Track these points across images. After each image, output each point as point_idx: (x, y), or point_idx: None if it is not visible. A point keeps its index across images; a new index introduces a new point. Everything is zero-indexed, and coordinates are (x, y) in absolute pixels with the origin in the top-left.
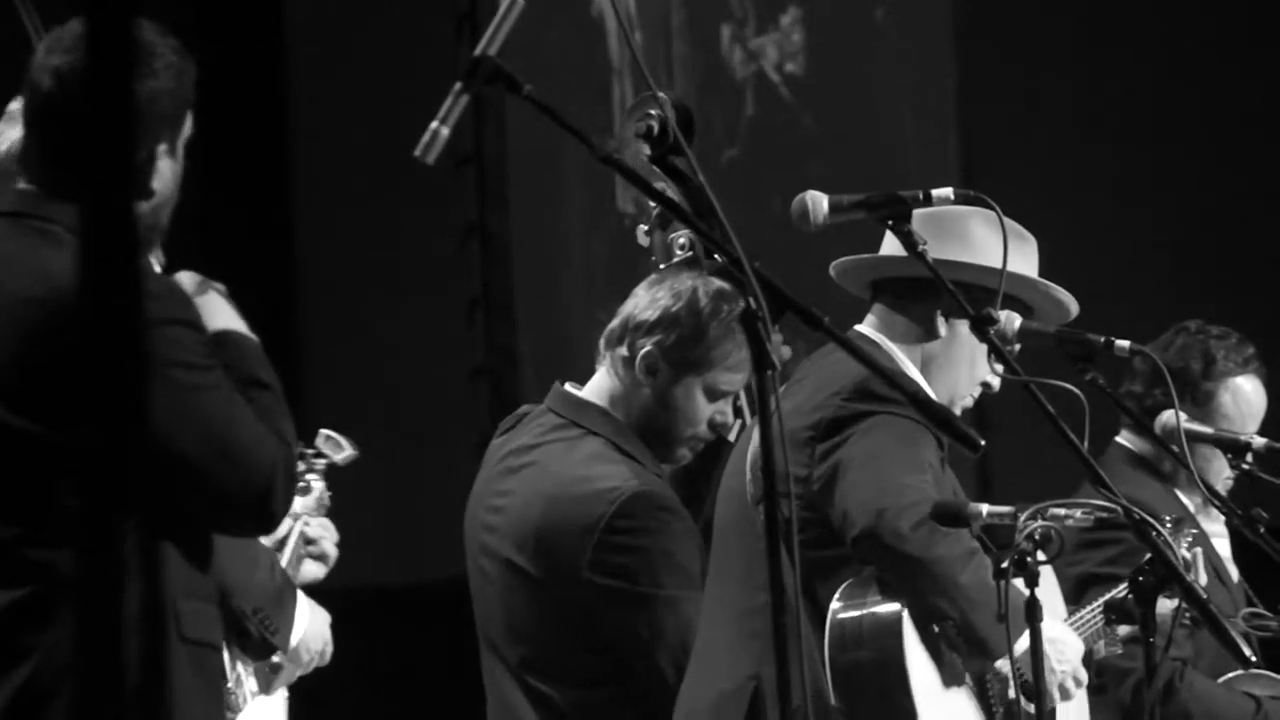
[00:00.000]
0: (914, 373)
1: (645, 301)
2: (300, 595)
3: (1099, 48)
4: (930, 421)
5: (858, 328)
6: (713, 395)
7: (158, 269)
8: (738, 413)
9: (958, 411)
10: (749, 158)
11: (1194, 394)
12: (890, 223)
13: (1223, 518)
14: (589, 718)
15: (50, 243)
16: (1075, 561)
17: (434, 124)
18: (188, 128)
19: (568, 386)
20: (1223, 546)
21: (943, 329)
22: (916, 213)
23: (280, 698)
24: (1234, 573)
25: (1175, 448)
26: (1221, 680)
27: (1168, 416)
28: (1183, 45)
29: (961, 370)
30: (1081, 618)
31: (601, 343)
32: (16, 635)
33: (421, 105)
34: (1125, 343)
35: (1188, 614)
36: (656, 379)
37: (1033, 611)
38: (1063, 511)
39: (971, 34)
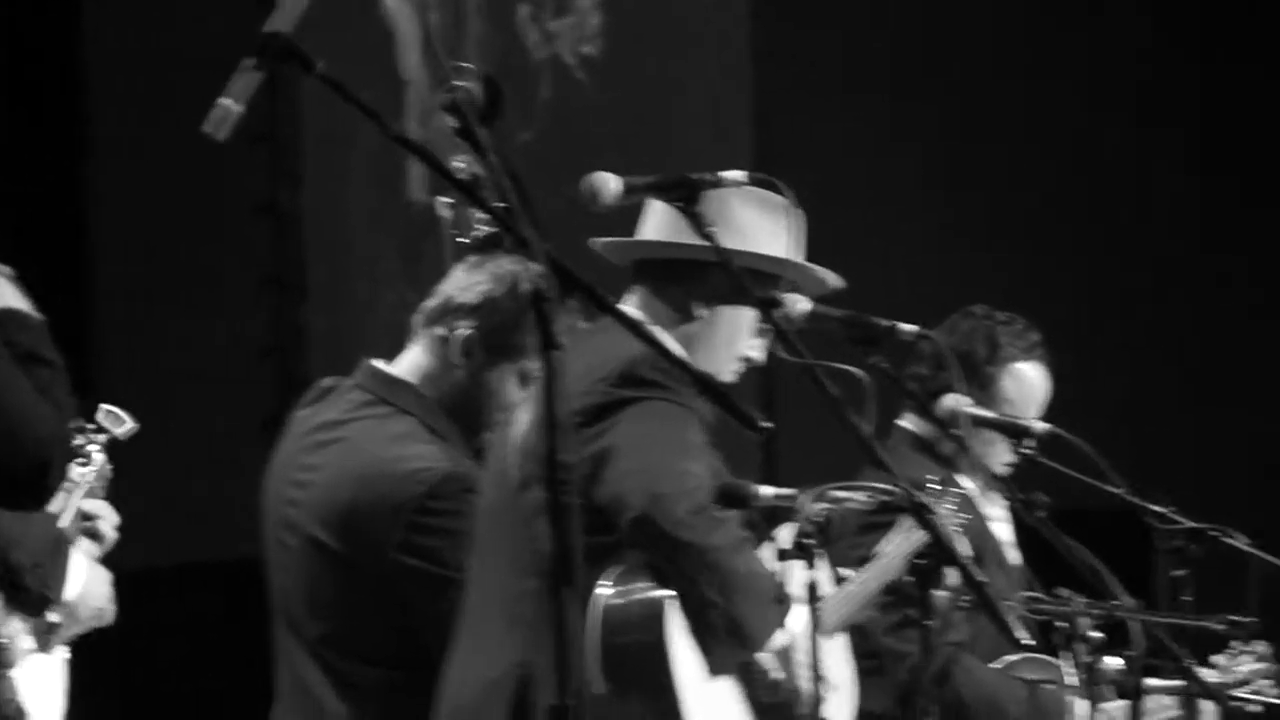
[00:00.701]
0: (674, 348)
1: (465, 284)
2: (78, 552)
3: (900, 34)
4: (715, 403)
5: (620, 306)
6: (526, 382)
7: None
8: None
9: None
10: (544, 140)
11: (977, 378)
12: (681, 205)
13: (1003, 502)
14: (387, 697)
15: None
16: (856, 545)
17: (224, 100)
18: None
19: (378, 363)
20: (1002, 531)
21: (701, 311)
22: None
23: (60, 659)
24: (1013, 557)
25: (957, 431)
26: (998, 664)
27: (950, 400)
28: (990, 33)
29: (720, 352)
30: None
31: (417, 320)
32: None
33: (220, 82)
34: (910, 326)
35: (965, 597)
36: (471, 362)
37: (813, 594)
38: (844, 494)
39: (768, 18)
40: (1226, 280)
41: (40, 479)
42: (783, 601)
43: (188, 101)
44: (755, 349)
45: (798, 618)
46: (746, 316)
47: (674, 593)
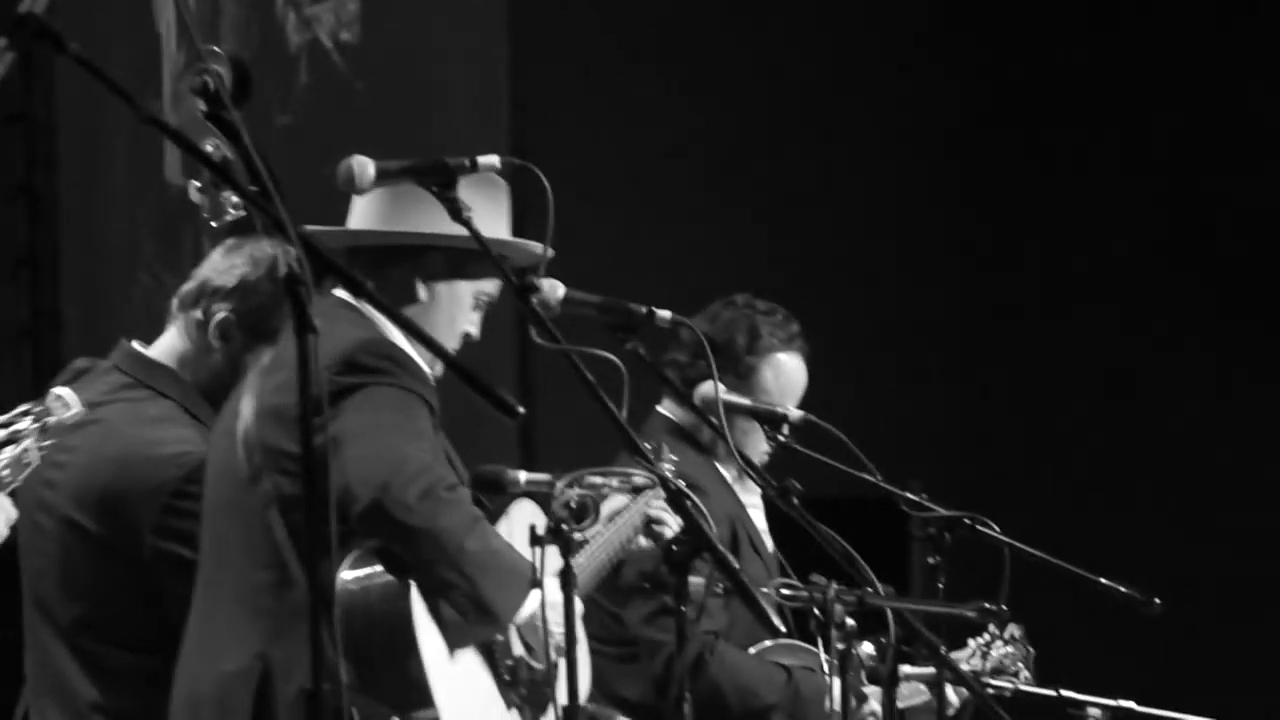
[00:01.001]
0: (397, 338)
1: (223, 267)
2: None
3: (661, 18)
4: (472, 388)
5: (336, 293)
6: None
7: None
8: None
9: (439, 370)
10: (302, 125)
11: (736, 368)
12: (436, 190)
13: (759, 489)
14: (139, 682)
15: None
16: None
17: None
18: None
19: (136, 345)
20: (759, 518)
21: (422, 293)
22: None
23: None
24: (769, 544)
25: (714, 419)
26: (753, 650)
27: (707, 387)
28: (751, 22)
29: (443, 330)
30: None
31: (174, 303)
32: None
33: None
34: (667, 313)
35: (720, 584)
36: (229, 345)
37: (568, 580)
38: (600, 480)
39: (527, 3)
40: (987, 264)
41: None
42: (532, 582)
43: None
44: (475, 325)
45: (543, 594)
46: (466, 293)
47: (411, 577)
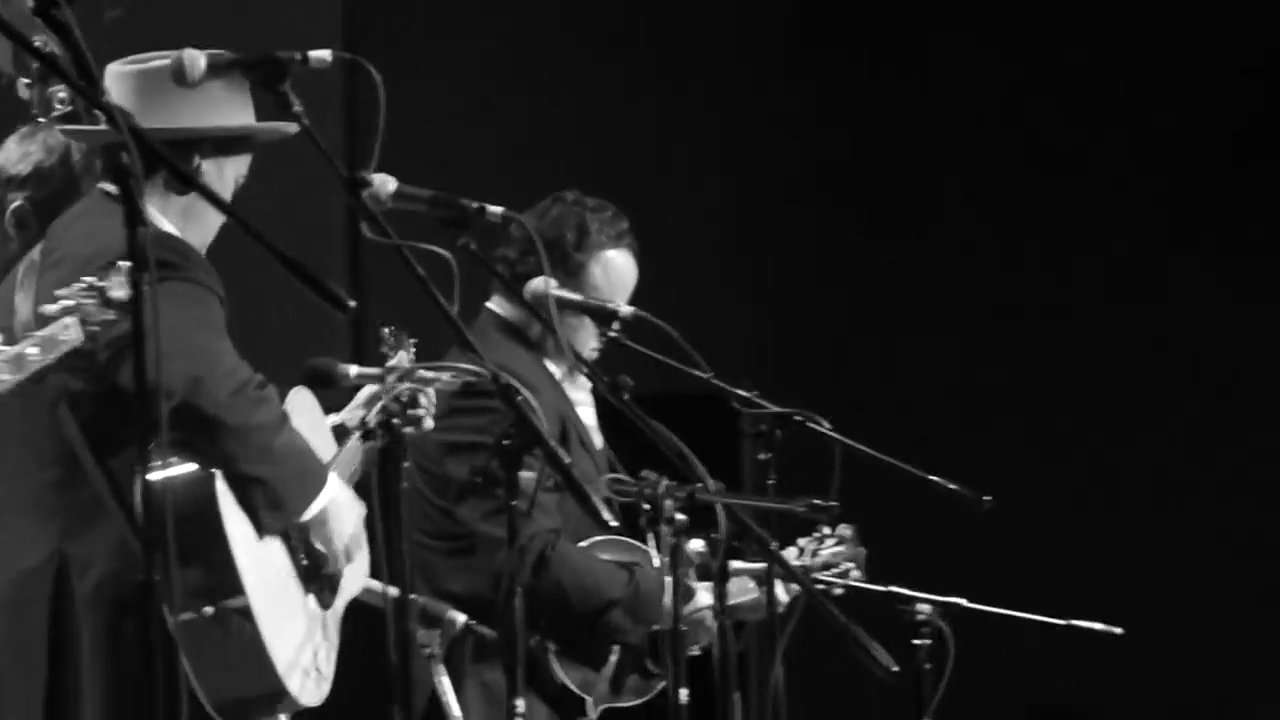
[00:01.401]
0: (168, 225)
1: (16, 156)
2: None
3: None
4: (303, 282)
5: (101, 186)
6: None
7: None
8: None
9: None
10: (133, 18)
11: (566, 264)
12: (263, 83)
13: (589, 385)
14: None
15: None
16: (445, 428)
17: None
18: None
19: None
20: (588, 415)
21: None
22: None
23: None
24: (599, 440)
25: (544, 314)
26: (584, 545)
27: (538, 283)
28: None
29: (211, 219)
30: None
31: None
32: None
33: None
34: (498, 209)
35: (551, 480)
36: (25, 233)
37: (386, 471)
38: (431, 375)
39: None
40: (839, 158)
41: None
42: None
43: None
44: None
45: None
46: (230, 180)
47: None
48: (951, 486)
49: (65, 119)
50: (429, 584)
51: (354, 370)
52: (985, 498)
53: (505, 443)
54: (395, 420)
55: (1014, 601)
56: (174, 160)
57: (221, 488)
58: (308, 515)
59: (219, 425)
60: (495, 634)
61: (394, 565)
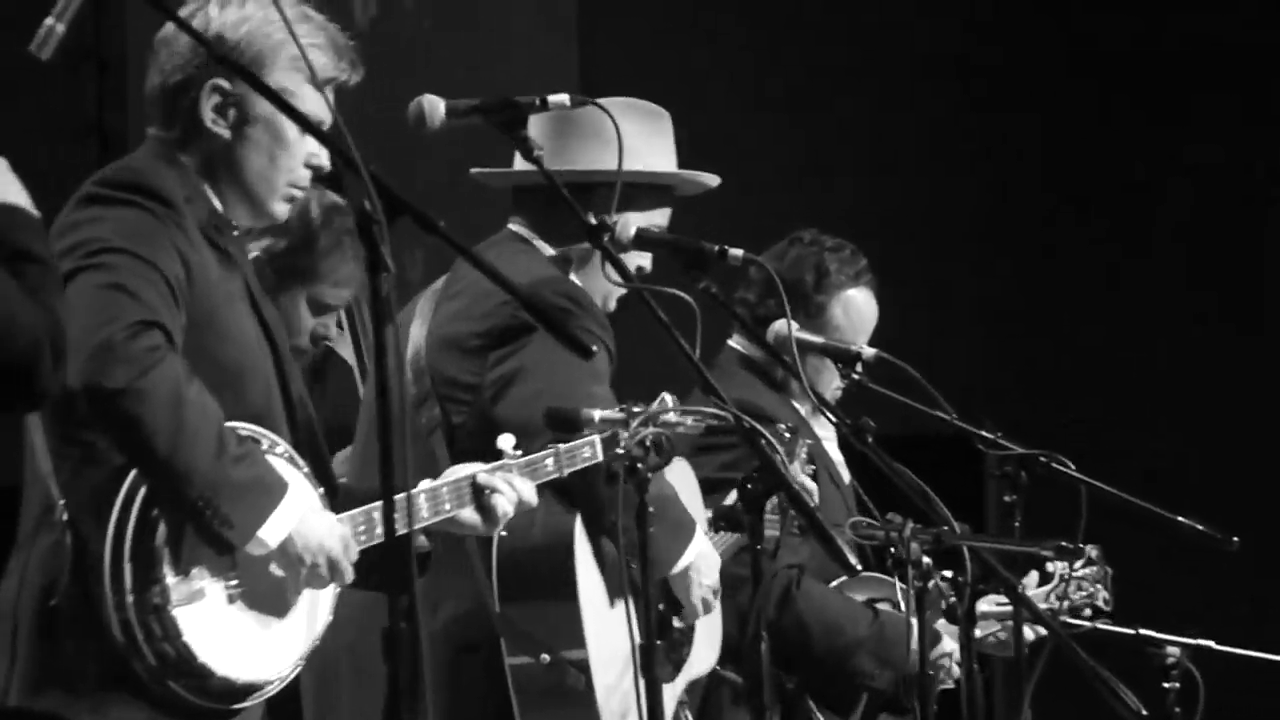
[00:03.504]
0: (572, 273)
1: None
2: None
3: None
4: (544, 326)
5: (511, 225)
6: (317, 308)
7: None
8: (340, 326)
9: (612, 307)
10: (369, 64)
11: (806, 306)
12: (504, 128)
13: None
14: None
15: None
16: (693, 466)
17: (49, 20)
18: None
19: None
20: (833, 450)
21: None
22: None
23: None
24: (845, 475)
25: (787, 357)
26: (834, 584)
27: (780, 325)
28: None
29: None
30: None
31: None
32: None
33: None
34: (739, 252)
35: (796, 522)
36: (261, 283)
37: (643, 520)
38: (674, 417)
39: None
40: (1071, 203)
41: (31, 383)
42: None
43: (12, 21)
44: (647, 260)
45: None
46: (634, 228)
47: (578, 514)
48: (1199, 528)
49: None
50: None
51: (597, 414)
52: (1233, 539)
53: (748, 485)
54: (640, 465)
55: (1263, 643)
56: (421, 210)
57: (580, 538)
58: (678, 568)
59: (593, 470)
60: (740, 678)
61: (641, 608)
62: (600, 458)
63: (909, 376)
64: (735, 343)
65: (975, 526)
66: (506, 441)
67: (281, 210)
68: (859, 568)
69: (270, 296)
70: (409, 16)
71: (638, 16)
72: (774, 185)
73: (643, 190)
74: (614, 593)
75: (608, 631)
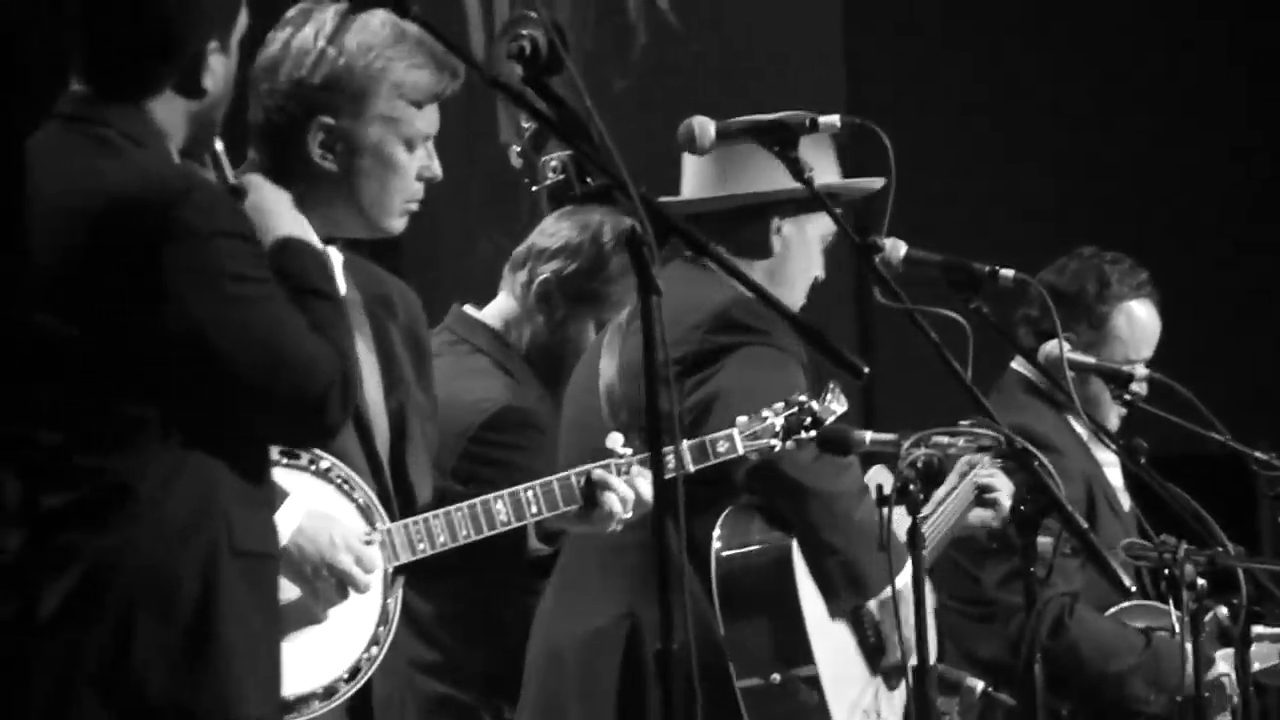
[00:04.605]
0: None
1: (550, 230)
2: None
3: None
4: (816, 348)
5: (682, 254)
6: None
7: (228, 171)
8: None
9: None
10: (641, 87)
11: (1089, 317)
12: (777, 149)
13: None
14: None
15: (107, 151)
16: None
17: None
18: (241, 23)
19: (465, 307)
20: (1115, 476)
21: (776, 245)
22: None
23: None
24: (1126, 502)
25: (1059, 377)
26: (1110, 613)
27: (1051, 346)
28: None
29: (799, 280)
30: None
31: (506, 267)
32: (66, 535)
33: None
34: (1009, 272)
35: (1069, 544)
36: (549, 308)
37: (914, 540)
38: (946, 440)
39: None
40: None
41: (321, 419)
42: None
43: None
44: (821, 267)
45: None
46: (814, 237)
47: (794, 537)
48: None
49: (556, 187)
50: (958, 647)
51: (869, 436)
52: None
53: (1021, 508)
54: (912, 487)
55: None
56: (692, 231)
57: (799, 562)
58: (886, 594)
59: (802, 490)
60: (1014, 701)
61: (921, 636)
62: (740, 451)
63: (1184, 396)
64: (1018, 365)
65: (1250, 549)
66: (615, 440)
67: (399, 225)
68: (1132, 587)
69: (560, 322)
70: (679, 39)
71: (908, 31)
72: (1033, 205)
73: (813, 206)
74: (834, 614)
75: (834, 649)
